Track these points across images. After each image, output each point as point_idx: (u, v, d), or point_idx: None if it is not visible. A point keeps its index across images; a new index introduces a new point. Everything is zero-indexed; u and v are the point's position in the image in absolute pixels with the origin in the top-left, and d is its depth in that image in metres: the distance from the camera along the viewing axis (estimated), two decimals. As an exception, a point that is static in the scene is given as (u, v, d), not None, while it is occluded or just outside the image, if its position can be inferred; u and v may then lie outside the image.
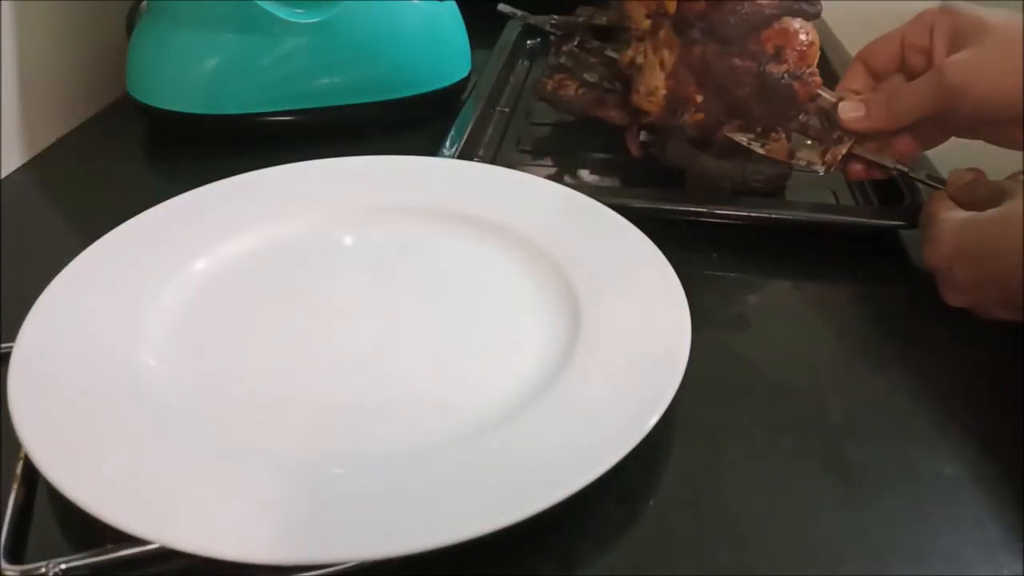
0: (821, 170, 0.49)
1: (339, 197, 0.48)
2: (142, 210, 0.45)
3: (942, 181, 0.46)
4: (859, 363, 0.41)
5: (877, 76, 0.50)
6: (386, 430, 0.34)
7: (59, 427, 0.32)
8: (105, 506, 0.29)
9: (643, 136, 0.57)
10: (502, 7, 0.63)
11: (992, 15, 0.44)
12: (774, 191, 0.53)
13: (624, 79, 0.56)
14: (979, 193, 0.43)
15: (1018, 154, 0.45)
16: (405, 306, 0.42)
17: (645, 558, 0.31)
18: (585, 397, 0.34)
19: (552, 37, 0.62)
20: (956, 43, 0.45)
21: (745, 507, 0.33)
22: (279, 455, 0.33)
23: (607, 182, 0.56)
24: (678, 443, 0.36)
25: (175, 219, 0.45)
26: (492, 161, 0.57)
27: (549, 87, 0.60)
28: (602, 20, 0.59)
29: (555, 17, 0.62)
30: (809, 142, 0.50)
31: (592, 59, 0.60)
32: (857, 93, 0.49)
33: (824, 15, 0.50)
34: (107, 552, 0.29)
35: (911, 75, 0.48)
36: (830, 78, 0.67)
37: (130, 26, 0.64)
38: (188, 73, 0.59)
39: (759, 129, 0.51)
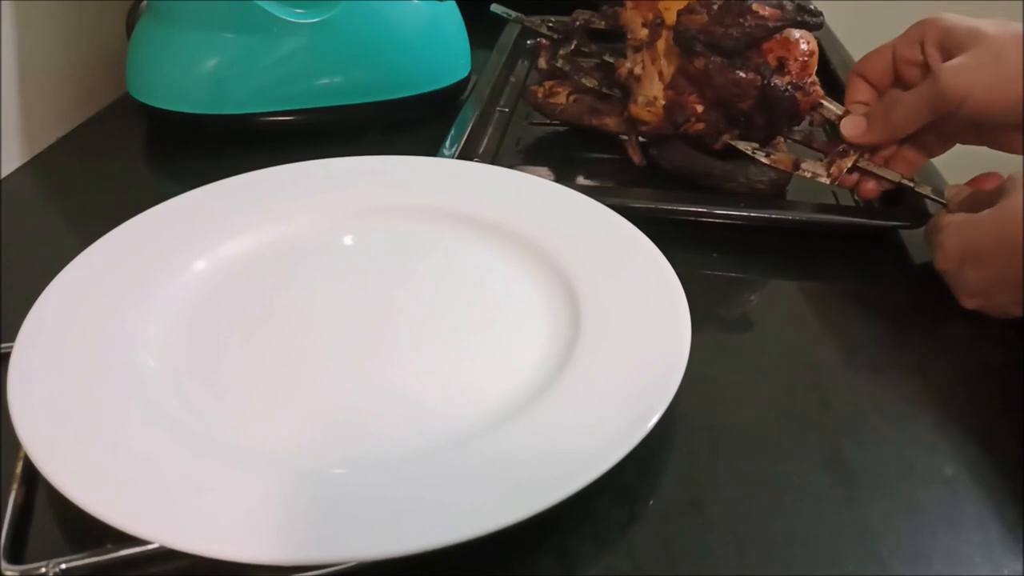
0: (827, 182, 0.49)
1: (339, 197, 0.48)
2: (142, 210, 0.45)
3: (896, 177, 0.48)
4: (859, 363, 0.41)
5: (877, 89, 0.50)
6: (386, 430, 0.34)
7: (59, 427, 0.32)
8: (105, 506, 0.29)
9: (642, 139, 0.57)
10: (495, 8, 0.63)
11: (985, 23, 0.44)
12: (776, 193, 0.53)
13: (621, 86, 0.56)
14: (978, 203, 0.43)
15: (1018, 156, 0.45)
16: (405, 306, 0.42)
17: (645, 558, 0.31)
18: (585, 397, 0.34)
19: (540, 40, 0.62)
20: (949, 52, 0.45)
21: (745, 507, 0.33)
22: (279, 455, 0.33)
23: (607, 182, 0.56)
24: (678, 443, 0.36)
25: (175, 219, 0.45)
26: (492, 161, 0.57)
27: (540, 95, 0.60)
28: (600, 24, 0.58)
29: (551, 20, 0.62)
30: (824, 157, 0.50)
31: (589, 64, 0.60)
32: (865, 104, 0.50)
33: (825, 16, 0.50)
34: (107, 552, 0.29)
35: (906, 88, 0.48)
36: (830, 78, 0.68)
37: (130, 26, 0.64)
38: (188, 73, 0.59)
39: (763, 137, 0.51)
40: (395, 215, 0.47)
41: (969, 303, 0.43)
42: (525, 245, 0.44)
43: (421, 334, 0.40)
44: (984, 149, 0.47)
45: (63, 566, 0.29)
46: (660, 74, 0.51)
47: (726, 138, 0.51)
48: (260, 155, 0.51)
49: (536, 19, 0.63)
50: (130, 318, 0.38)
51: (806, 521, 0.32)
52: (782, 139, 0.53)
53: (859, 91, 0.50)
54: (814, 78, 0.49)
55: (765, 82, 0.48)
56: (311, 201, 0.48)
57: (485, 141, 0.59)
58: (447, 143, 0.55)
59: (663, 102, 0.52)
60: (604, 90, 0.58)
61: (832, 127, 0.57)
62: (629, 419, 0.32)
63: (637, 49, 0.54)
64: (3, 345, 0.37)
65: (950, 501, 0.33)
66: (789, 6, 0.47)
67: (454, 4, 0.66)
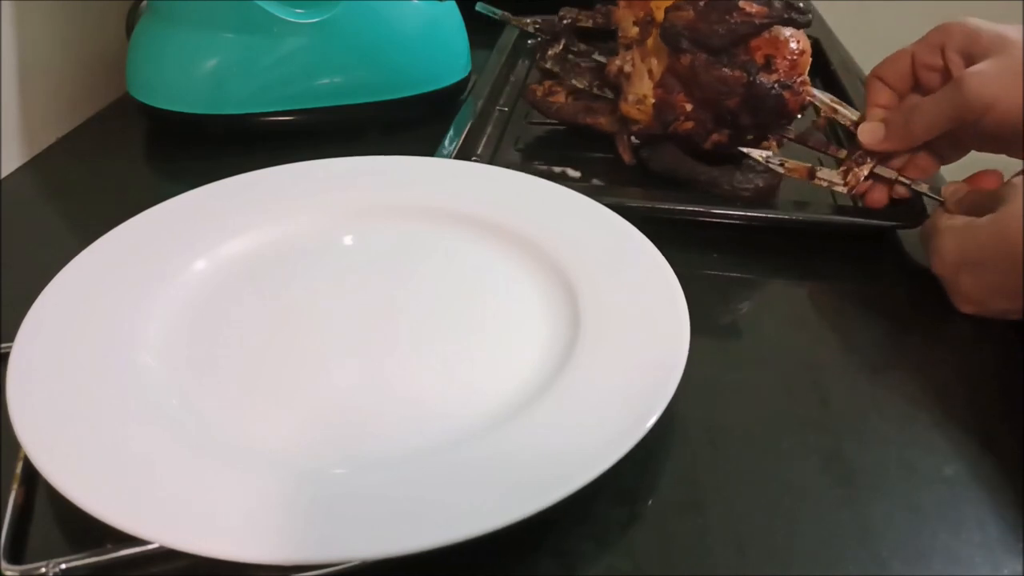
0: (844, 190, 0.49)
1: (339, 197, 0.48)
2: (142, 210, 0.45)
3: (917, 183, 0.47)
4: (859, 363, 0.41)
5: (896, 92, 0.49)
6: (386, 430, 0.34)
7: (59, 427, 0.32)
8: (105, 506, 0.29)
9: (634, 140, 0.56)
10: (480, 7, 0.63)
11: (1010, 29, 0.43)
12: (763, 202, 0.52)
13: (612, 85, 0.56)
14: (977, 203, 0.43)
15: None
16: (405, 306, 0.42)
17: (645, 558, 0.31)
18: (584, 397, 0.34)
19: (539, 40, 0.62)
20: (972, 58, 0.44)
21: (745, 507, 0.33)
22: (279, 455, 0.33)
23: (606, 182, 0.56)
24: (678, 443, 0.36)
25: (175, 219, 0.45)
26: (490, 161, 0.57)
27: (539, 94, 0.60)
28: (587, 23, 0.58)
29: (539, 19, 0.62)
30: (850, 169, 0.49)
31: (579, 64, 0.60)
32: (885, 108, 0.49)
33: (825, 16, 0.50)
34: (107, 552, 0.29)
35: (925, 93, 0.47)
36: (830, 79, 0.68)
37: (130, 26, 0.64)
38: (188, 73, 0.59)
39: (753, 137, 0.51)
40: (395, 215, 0.47)
41: (966, 308, 0.42)
42: (525, 245, 0.44)
43: (421, 334, 0.40)
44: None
45: (63, 566, 0.29)
46: (650, 72, 0.51)
47: (715, 138, 0.51)
48: (260, 155, 0.51)
49: (524, 19, 0.62)
50: (130, 318, 0.38)
51: (806, 521, 0.32)
52: (775, 143, 0.52)
53: (879, 94, 0.49)
54: (804, 77, 0.48)
55: (751, 79, 0.47)
56: (311, 201, 0.48)
57: (484, 140, 0.59)
58: (446, 142, 0.55)
59: (652, 100, 0.51)
60: (595, 91, 0.58)
61: (840, 130, 0.57)
62: (629, 419, 0.32)
63: (628, 47, 0.53)
64: (3, 345, 0.37)
65: (950, 501, 0.33)
66: (777, 3, 0.47)
67: (454, 4, 0.66)
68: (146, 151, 0.63)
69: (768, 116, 0.49)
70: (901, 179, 0.48)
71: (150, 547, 0.29)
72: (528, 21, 0.62)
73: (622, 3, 0.54)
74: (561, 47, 0.60)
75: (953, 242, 0.42)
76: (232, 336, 0.39)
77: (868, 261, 0.49)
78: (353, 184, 0.49)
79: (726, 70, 0.48)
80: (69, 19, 0.63)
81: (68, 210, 0.55)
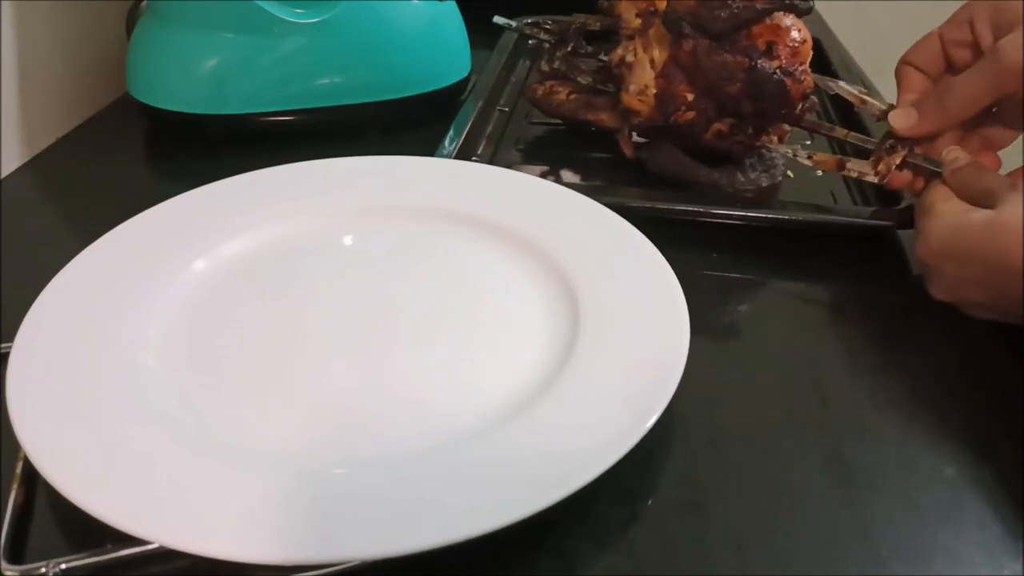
0: (875, 181, 0.48)
1: (339, 197, 0.48)
2: (142, 210, 0.45)
3: (938, 165, 0.45)
4: (859, 363, 0.41)
5: (928, 75, 0.48)
6: (386, 430, 0.34)
7: (59, 427, 0.32)
8: (105, 506, 0.29)
9: (636, 137, 0.57)
10: (497, 19, 0.63)
11: None
12: (765, 201, 0.52)
13: (614, 77, 0.56)
14: (972, 182, 0.42)
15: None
16: (405, 306, 0.42)
17: (645, 558, 0.31)
18: (584, 397, 0.34)
19: (546, 44, 0.62)
20: (1002, 29, 0.44)
21: (745, 507, 0.33)
22: (279, 455, 0.33)
23: (606, 182, 0.56)
24: (678, 443, 0.36)
25: (175, 219, 0.45)
26: (490, 161, 0.57)
27: (540, 92, 0.60)
28: (595, 25, 0.58)
29: (549, 21, 0.62)
30: (880, 158, 0.48)
31: (581, 66, 0.60)
32: (919, 94, 0.48)
33: (825, 16, 0.50)
34: (107, 552, 0.29)
35: (958, 71, 0.46)
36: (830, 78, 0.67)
37: (130, 26, 0.64)
38: (188, 73, 0.59)
39: (754, 126, 0.50)
40: (395, 215, 0.47)
41: (940, 295, 0.42)
42: (525, 245, 0.44)
43: (421, 334, 0.40)
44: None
45: (63, 566, 0.29)
46: (652, 62, 0.51)
47: (716, 127, 0.51)
48: (260, 155, 0.51)
49: (535, 27, 0.63)
50: (130, 318, 0.38)
51: (806, 521, 0.32)
52: (776, 137, 0.52)
53: (911, 79, 0.48)
54: (806, 67, 0.49)
55: (752, 64, 0.47)
56: (311, 201, 0.48)
57: (484, 140, 0.59)
58: (446, 142, 0.55)
59: (654, 90, 0.51)
60: (600, 87, 0.58)
61: (833, 111, 0.57)
62: (628, 419, 0.32)
63: (630, 37, 0.54)
64: (2, 345, 0.37)
65: (950, 501, 0.33)
66: None
67: (454, 4, 0.66)
68: (146, 151, 0.63)
69: (769, 102, 0.49)
70: (932, 168, 0.46)
71: (150, 547, 0.29)
72: (538, 28, 0.62)
73: None
74: (569, 49, 0.60)
75: (943, 234, 0.41)
76: (232, 336, 0.39)
77: (868, 261, 0.49)
78: (353, 184, 0.49)
79: (728, 55, 0.48)
80: (69, 19, 0.63)
81: (68, 210, 0.55)
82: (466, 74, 0.67)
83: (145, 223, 0.44)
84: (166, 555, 0.29)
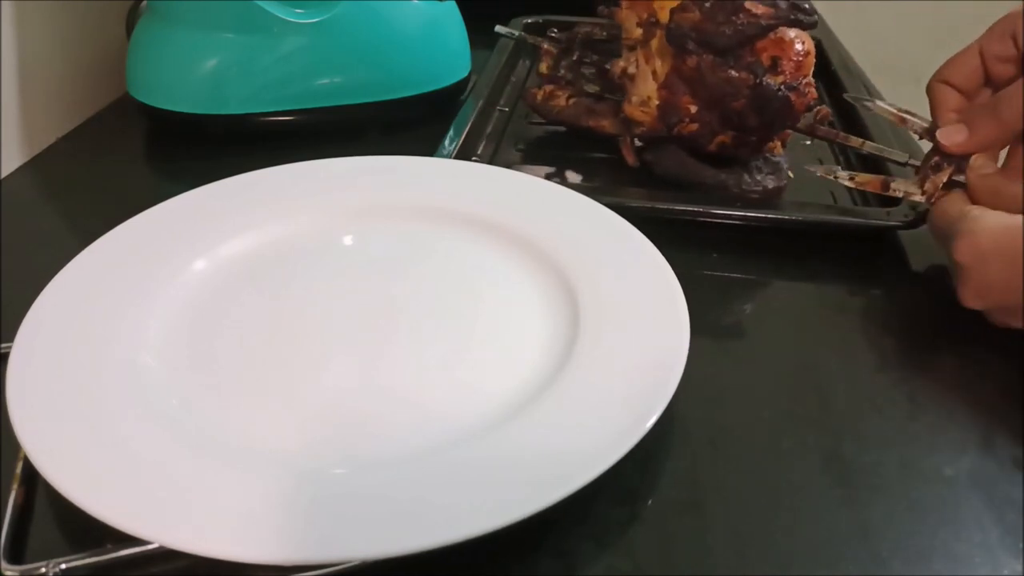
0: (922, 199, 0.46)
1: (339, 197, 0.48)
2: (142, 210, 0.45)
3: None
4: (859, 363, 0.41)
5: (965, 94, 0.47)
6: (386, 430, 0.34)
7: (59, 427, 0.32)
8: (105, 506, 0.29)
9: (638, 142, 0.56)
10: (499, 29, 0.64)
11: None
12: (770, 202, 0.52)
13: (616, 86, 0.56)
14: (998, 190, 0.41)
15: None
16: (405, 306, 0.42)
17: (645, 558, 0.31)
18: (584, 397, 0.34)
19: (543, 46, 0.62)
20: None
21: (745, 507, 0.33)
22: (279, 455, 0.33)
23: (606, 182, 0.56)
24: (678, 443, 0.36)
25: (175, 219, 0.45)
26: (490, 161, 0.57)
27: (539, 98, 0.60)
28: (601, 34, 0.58)
29: (553, 30, 0.62)
30: (926, 177, 0.46)
31: (591, 73, 0.60)
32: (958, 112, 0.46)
33: (825, 16, 0.50)
34: (107, 552, 0.29)
35: (999, 87, 0.45)
36: (830, 79, 0.68)
37: (130, 26, 0.64)
38: (188, 73, 0.59)
39: (758, 139, 0.50)
40: (395, 215, 0.47)
41: (974, 301, 0.40)
42: (525, 245, 0.44)
43: (421, 334, 0.40)
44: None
45: (63, 566, 0.29)
46: (654, 73, 0.51)
47: (720, 139, 0.51)
48: (260, 155, 0.51)
49: (538, 36, 0.63)
50: (130, 318, 0.38)
51: (806, 521, 0.32)
52: (779, 143, 0.52)
53: (948, 98, 0.47)
54: (810, 79, 0.49)
55: (757, 81, 0.47)
56: (311, 201, 0.48)
57: (484, 140, 0.59)
58: (446, 142, 0.55)
59: (657, 102, 0.51)
60: (606, 95, 0.58)
61: (839, 121, 0.56)
62: (628, 419, 0.32)
63: (632, 48, 0.54)
64: (2, 345, 0.37)
65: (950, 501, 0.33)
66: (782, 4, 0.47)
67: (454, 4, 0.66)
68: (146, 151, 0.63)
69: (774, 118, 0.49)
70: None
71: (150, 547, 0.29)
72: (541, 38, 0.62)
73: (625, 4, 0.54)
74: (575, 58, 0.60)
75: (996, 229, 0.39)
76: (232, 336, 0.39)
77: (868, 261, 0.49)
78: (353, 184, 0.49)
79: (732, 72, 0.48)
80: (69, 19, 0.63)
81: (68, 210, 0.55)
82: (466, 74, 0.67)
83: (145, 223, 0.44)
84: (166, 555, 0.29)
